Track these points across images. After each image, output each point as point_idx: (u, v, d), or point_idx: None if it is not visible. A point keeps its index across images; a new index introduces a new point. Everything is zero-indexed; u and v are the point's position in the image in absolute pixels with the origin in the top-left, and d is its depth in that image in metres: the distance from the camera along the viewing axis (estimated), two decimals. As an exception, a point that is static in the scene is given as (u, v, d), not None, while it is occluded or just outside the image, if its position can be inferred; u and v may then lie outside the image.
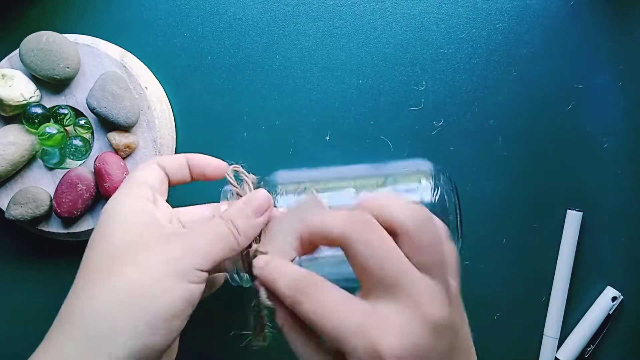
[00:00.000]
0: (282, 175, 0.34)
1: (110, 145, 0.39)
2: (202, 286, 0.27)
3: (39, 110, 0.38)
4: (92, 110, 0.38)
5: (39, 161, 0.39)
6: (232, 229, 0.28)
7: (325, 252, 0.29)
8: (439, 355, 0.23)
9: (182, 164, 0.32)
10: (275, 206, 0.30)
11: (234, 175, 0.32)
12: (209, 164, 0.32)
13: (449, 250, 0.26)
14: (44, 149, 0.38)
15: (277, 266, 0.27)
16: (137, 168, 0.31)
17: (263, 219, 0.29)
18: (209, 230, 0.27)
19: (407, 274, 0.24)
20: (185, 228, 0.31)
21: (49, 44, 0.37)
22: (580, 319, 0.40)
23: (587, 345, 0.40)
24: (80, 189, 0.37)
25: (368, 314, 0.23)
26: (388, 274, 0.23)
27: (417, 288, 0.23)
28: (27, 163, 0.39)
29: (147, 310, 0.25)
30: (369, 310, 0.23)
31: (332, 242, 0.25)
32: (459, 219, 0.31)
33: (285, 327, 0.26)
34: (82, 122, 0.39)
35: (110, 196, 0.37)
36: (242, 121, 0.41)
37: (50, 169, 0.39)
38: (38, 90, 0.39)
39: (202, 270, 0.26)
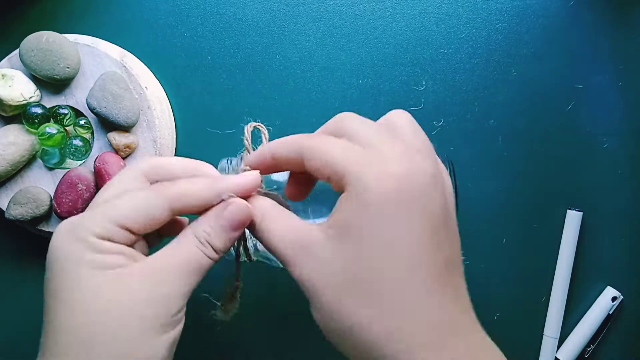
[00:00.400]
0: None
1: (110, 145, 0.39)
2: (182, 324, 0.26)
3: (39, 110, 0.38)
4: (92, 110, 0.38)
5: (39, 161, 0.39)
6: (208, 252, 0.26)
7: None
8: (436, 199, 0.23)
9: (208, 198, 0.27)
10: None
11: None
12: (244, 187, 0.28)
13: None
14: (44, 149, 0.38)
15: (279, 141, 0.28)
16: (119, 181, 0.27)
17: (239, 233, 0.27)
18: (182, 261, 0.26)
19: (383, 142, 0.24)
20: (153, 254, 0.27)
21: (49, 44, 0.37)
22: (580, 319, 0.40)
23: (587, 345, 0.40)
24: (80, 189, 0.37)
25: (369, 151, 0.24)
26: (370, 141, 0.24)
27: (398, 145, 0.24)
28: (27, 163, 0.39)
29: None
30: (369, 150, 0.24)
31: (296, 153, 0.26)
32: (456, 201, 0.31)
33: (265, 214, 0.26)
34: (82, 122, 0.39)
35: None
36: (242, 121, 0.41)
37: (50, 169, 0.39)
38: (38, 90, 0.39)
39: (178, 312, 0.25)
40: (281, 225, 0.26)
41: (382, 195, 0.22)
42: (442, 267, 0.23)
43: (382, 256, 0.22)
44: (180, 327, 0.26)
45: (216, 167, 0.30)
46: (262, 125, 0.32)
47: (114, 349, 0.24)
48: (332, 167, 0.24)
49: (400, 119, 0.27)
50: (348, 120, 0.27)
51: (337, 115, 0.27)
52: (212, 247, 0.26)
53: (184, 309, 0.26)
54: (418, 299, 0.22)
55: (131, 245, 0.26)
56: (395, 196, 0.22)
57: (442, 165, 0.27)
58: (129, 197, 0.26)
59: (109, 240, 0.25)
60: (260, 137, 0.32)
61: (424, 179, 0.23)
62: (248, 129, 0.32)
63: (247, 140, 0.31)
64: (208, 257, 0.26)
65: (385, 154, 0.23)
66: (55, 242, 0.26)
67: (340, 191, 0.24)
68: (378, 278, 0.22)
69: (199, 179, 0.28)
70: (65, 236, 0.26)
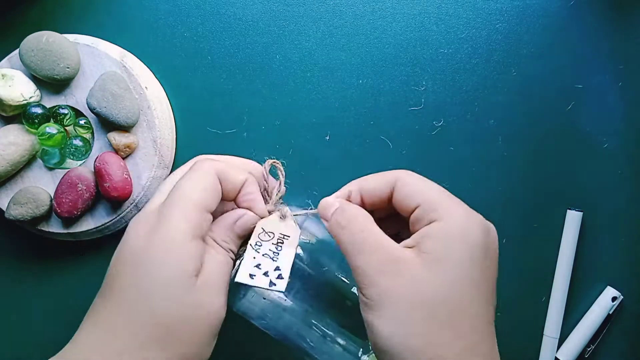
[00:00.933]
0: None
1: (110, 145, 0.39)
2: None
3: (39, 110, 0.38)
4: (92, 110, 0.38)
5: (39, 161, 0.39)
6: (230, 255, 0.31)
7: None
8: (493, 253, 0.29)
9: (240, 180, 0.32)
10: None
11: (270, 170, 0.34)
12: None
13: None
14: (44, 149, 0.38)
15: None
16: (189, 178, 0.30)
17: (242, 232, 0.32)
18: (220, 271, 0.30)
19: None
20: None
21: (49, 44, 0.37)
22: (580, 319, 0.40)
23: (587, 345, 0.40)
24: (80, 189, 0.37)
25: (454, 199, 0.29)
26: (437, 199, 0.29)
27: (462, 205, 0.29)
28: (27, 163, 0.39)
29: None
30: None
31: (379, 195, 0.30)
32: None
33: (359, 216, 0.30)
34: (82, 122, 0.39)
35: (110, 196, 0.37)
36: (242, 121, 0.41)
37: (50, 169, 0.39)
38: (38, 90, 0.39)
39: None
40: (373, 237, 0.28)
41: (477, 239, 0.27)
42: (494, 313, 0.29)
43: (470, 292, 0.27)
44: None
45: None
46: (278, 162, 0.33)
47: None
48: (426, 196, 0.28)
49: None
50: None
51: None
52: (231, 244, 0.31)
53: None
54: (489, 334, 0.28)
55: None
56: (484, 242, 0.28)
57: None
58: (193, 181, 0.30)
59: (199, 233, 0.29)
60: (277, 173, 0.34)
61: (495, 236, 0.29)
62: (266, 167, 0.33)
63: (265, 178, 0.33)
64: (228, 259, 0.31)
65: (464, 206, 0.29)
66: (135, 239, 0.29)
67: (418, 221, 0.28)
68: (463, 309, 0.26)
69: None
70: (152, 236, 0.29)
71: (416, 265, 0.27)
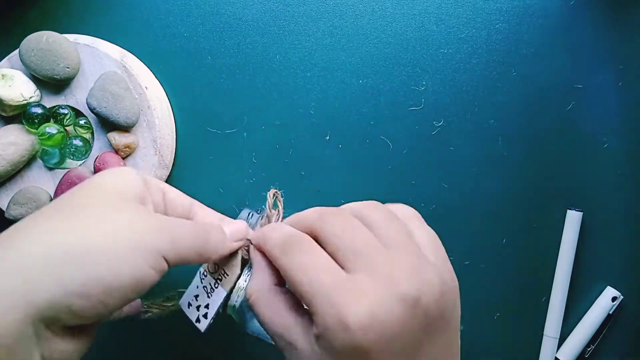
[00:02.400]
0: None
1: (110, 145, 0.39)
2: (157, 277, 0.25)
3: (39, 110, 0.38)
4: (92, 110, 0.38)
5: (39, 161, 0.39)
6: (210, 239, 0.28)
7: None
8: (409, 335, 0.23)
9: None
10: None
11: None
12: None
13: (424, 233, 0.27)
14: (44, 149, 0.38)
15: (274, 226, 0.28)
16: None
17: (236, 245, 0.30)
18: (191, 228, 0.27)
19: (378, 250, 0.24)
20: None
21: (49, 44, 0.37)
22: (580, 319, 0.40)
23: (587, 345, 0.40)
24: (80, 189, 0.37)
25: (342, 280, 0.23)
26: (361, 250, 0.24)
27: (393, 264, 0.24)
28: (27, 163, 0.39)
29: (88, 270, 0.22)
30: (344, 277, 0.23)
31: (308, 229, 0.27)
32: None
33: (253, 296, 0.27)
34: (82, 122, 0.39)
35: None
36: (242, 121, 0.41)
37: (50, 169, 0.39)
38: (38, 90, 0.39)
39: (165, 260, 0.25)
40: (270, 311, 0.26)
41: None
42: None
43: None
44: (148, 281, 0.24)
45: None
46: (279, 192, 0.33)
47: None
48: (303, 298, 0.24)
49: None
50: (330, 223, 0.26)
51: (364, 205, 0.28)
52: (212, 243, 0.28)
53: (163, 271, 0.25)
54: None
55: None
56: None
57: (452, 300, 0.26)
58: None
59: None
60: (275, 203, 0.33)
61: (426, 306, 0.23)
62: (270, 195, 0.32)
63: (268, 207, 0.32)
64: (208, 246, 0.28)
65: (359, 288, 0.23)
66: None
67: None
68: None
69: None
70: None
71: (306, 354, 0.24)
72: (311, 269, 0.24)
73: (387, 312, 0.22)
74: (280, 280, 0.28)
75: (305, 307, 0.26)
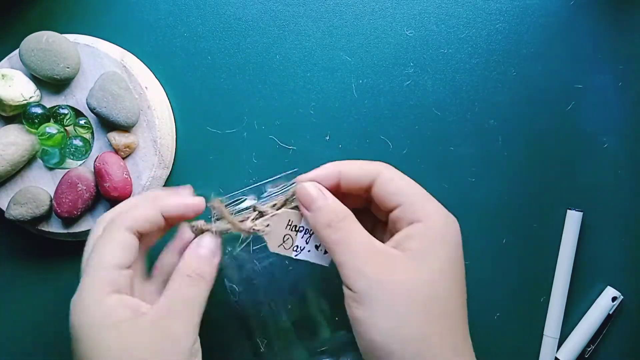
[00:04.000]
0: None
1: (110, 145, 0.39)
2: (200, 354, 0.29)
3: (39, 110, 0.38)
4: (92, 110, 0.38)
5: (39, 161, 0.39)
6: (203, 284, 0.30)
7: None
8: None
9: (155, 220, 0.31)
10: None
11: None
12: (187, 208, 0.32)
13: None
14: (44, 149, 0.38)
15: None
16: (100, 241, 0.30)
17: (220, 257, 0.32)
18: (183, 300, 0.29)
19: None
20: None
21: (49, 44, 0.37)
22: (580, 319, 0.40)
23: (587, 346, 0.40)
24: (80, 189, 0.37)
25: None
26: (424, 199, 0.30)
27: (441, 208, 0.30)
28: (27, 163, 0.39)
29: None
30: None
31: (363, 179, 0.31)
32: None
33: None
34: (82, 122, 0.39)
35: (110, 196, 0.37)
36: (242, 121, 0.41)
37: (50, 169, 0.39)
38: (38, 90, 0.39)
39: (194, 344, 0.29)
40: (359, 236, 0.29)
41: (455, 238, 0.29)
42: None
43: (455, 288, 0.28)
44: (199, 356, 0.29)
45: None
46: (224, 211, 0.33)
47: None
48: (407, 197, 0.29)
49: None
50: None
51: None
52: (204, 278, 0.30)
53: (198, 339, 0.29)
54: (465, 325, 0.29)
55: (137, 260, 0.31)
56: (459, 242, 0.30)
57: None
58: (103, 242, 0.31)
59: (115, 287, 0.29)
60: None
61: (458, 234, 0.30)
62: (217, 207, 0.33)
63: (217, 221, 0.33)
64: (204, 287, 0.30)
65: (441, 206, 0.30)
66: (72, 315, 0.29)
67: (399, 220, 0.29)
68: (452, 305, 0.28)
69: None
70: (76, 306, 0.29)
71: (403, 261, 0.28)
72: (412, 182, 0.31)
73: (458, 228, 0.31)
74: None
75: None
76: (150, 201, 0.31)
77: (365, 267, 0.27)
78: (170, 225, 0.32)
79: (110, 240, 0.30)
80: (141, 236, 0.31)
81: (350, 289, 0.28)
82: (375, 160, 0.32)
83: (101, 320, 0.27)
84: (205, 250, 0.31)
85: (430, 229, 0.28)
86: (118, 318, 0.28)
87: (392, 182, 0.30)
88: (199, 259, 0.30)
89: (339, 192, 0.31)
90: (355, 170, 0.31)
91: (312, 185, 0.31)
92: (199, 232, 0.32)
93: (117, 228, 0.30)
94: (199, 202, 0.32)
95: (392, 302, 0.26)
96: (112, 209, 0.33)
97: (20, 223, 0.39)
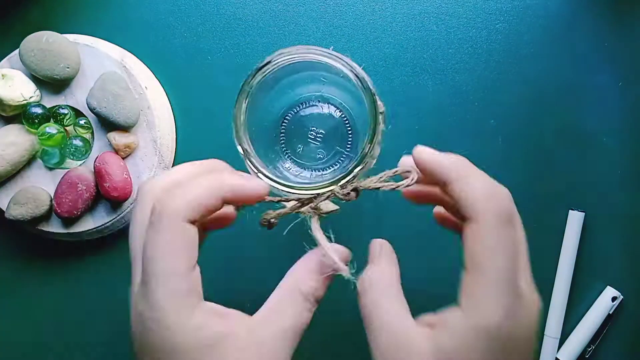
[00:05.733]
0: None
1: (110, 145, 0.39)
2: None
3: (39, 110, 0.38)
4: (92, 110, 0.38)
5: (39, 161, 0.39)
6: (314, 308, 0.26)
7: None
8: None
9: (213, 204, 0.25)
10: None
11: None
12: (253, 192, 0.26)
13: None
14: (44, 149, 0.38)
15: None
16: (156, 238, 0.23)
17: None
18: (290, 325, 0.24)
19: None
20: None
21: (49, 44, 0.37)
22: (581, 319, 0.40)
23: (588, 346, 0.40)
24: (80, 189, 0.37)
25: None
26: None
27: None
28: (27, 163, 0.39)
29: None
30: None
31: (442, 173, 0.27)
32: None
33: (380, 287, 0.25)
34: (82, 122, 0.39)
35: (110, 196, 0.37)
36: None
37: (50, 169, 0.39)
38: (38, 90, 0.39)
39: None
40: (384, 314, 0.24)
41: (503, 332, 0.22)
42: None
43: None
44: None
45: None
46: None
47: None
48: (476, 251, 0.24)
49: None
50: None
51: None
52: (317, 301, 0.26)
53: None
54: None
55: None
56: (513, 337, 0.23)
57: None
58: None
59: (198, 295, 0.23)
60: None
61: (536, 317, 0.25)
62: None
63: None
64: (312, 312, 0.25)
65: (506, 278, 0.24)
66: (148, 338, 0.23)
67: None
68: None
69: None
70: (152, 328, 0.23)
71: (425, 355, 0.23)
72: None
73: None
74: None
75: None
76: (207, 177, 0.25)
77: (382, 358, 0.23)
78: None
79: (169, 238, 0.23)
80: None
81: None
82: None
83: (196, 342, 0.22)
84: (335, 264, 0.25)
85: (469, 325, 0.22)
86: (216, 334, 0.23)
87: (470, 198, 0.26)
88: (322, 272, 0.26)
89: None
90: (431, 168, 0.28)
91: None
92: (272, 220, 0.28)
93: (173, 219, 0.23)
94: (264, 185, 0.26)
95: None
96: (161, 178, 0.26)
97: (20, 223, 0.39)
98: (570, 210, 0.40)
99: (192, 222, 0.24)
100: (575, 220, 0.40)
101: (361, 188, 0.28)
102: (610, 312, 0.40)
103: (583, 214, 0.40)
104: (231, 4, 0.42)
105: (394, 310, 0.24)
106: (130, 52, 0.41)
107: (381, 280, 0.25)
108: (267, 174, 0.28)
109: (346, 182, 0.27)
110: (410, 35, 0.41)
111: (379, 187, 0.28)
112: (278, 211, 0.28)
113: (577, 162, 0.40)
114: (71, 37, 0.39)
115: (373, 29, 0.41)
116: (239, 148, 0.29)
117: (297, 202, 0.28)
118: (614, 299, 0.39)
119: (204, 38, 0.42)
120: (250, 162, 0.28)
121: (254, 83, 0.29)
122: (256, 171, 0.28)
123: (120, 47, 0.41)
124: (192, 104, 0.41)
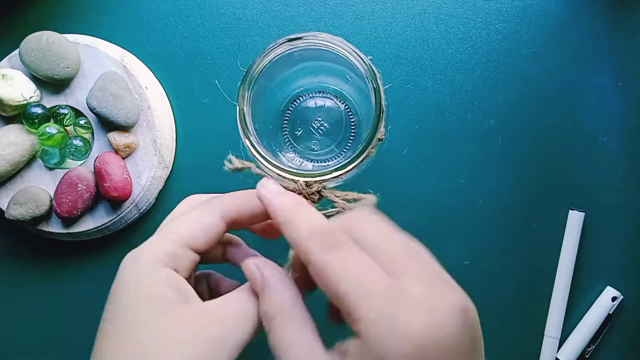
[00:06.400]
0: None
1: (110, 145, 0.39)
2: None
3: (39, 110, 0.38)
4: (92, 110, 0.38)
5: (39, 161, 0.39)
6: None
7: None
8: (458, 348, 0.20)
9: (257, 211, 0.27)
10: None
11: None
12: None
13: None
14: (44, 149, 0.38)
15: (302, 213, 0.24)
16: (188, 211, 0.27)
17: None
18: (239, 307, 0.25)
19: (419, 260, 0.23)
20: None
21: (49, 44, 0.37)
22: (581, 319, 0.40)
23: (588, 346, 0.40)
24: (80, 189, 0.37)
25: (392, 285, 0.21)
26: (405, 257, 0.22)
27: (437, 274, 0.22)
28: (27, 163, 0.39)
29: None
30: (393, 283, 0.21)
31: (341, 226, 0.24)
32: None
33: (278, 316, 0.24)
34: (82, 122, 0.39)
35: (110, 196, 0.37)
36: (242, 121, 0.41)
37: (50, 169, 0.39)
38: (38, 90, 0.39)
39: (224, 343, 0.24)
40: (294, 346, 0.23)
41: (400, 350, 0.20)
42: None
43: None
44: None
45: None
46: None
47: None
48: (344, 301, 0.21)
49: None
50: (366, 226, 0.24)
51: (353, 214, 0.25)
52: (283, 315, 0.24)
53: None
54: None
55: (194, 270, 0.27)
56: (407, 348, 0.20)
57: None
58: (184, 216, 0.27)
59: (173, 264, 0.25)
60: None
61: (453, 339, 0.20)
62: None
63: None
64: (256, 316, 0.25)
65: (410, 295, 0.21)
66: (120, 269, 0.26)
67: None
68: None
69: (245, 191, 0.28)
70: (127, 263, 0.26)
71: None
72: (357, 270, 0.21)
73: (443, 322, 0.20)
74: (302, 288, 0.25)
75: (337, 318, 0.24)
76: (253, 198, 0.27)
77: None
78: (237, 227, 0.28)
79: (196, 214, 0.26)
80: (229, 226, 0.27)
81: None
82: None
83: (142, 289, 0.24)
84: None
85: (367, 345, 0.20)
86: (159, 294, 0.24)
87: (325, 276, 0.22)
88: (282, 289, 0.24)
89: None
90: (294, 240, 0.24)
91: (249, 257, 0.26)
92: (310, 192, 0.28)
93: (210, 206, 0.27)
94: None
95: None
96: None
97: (20, 223, 0.39)
98: (570, 210, 0.40)
99: (224, 219, 0.27)
100: (575, 220, 0.40)
101: (324, 193, 0.28)
102: (610, 312, 0.40)
103: (583, 214, 0.40)
104: (231, 4, 0.42)
105: (304, 346, 0.23)
106: (130, 52, 0.41)
107: (281, 312, 0.23)
108: (270, 159, 0.28)
109: (345, 171, 0.27)
110: (410, 35, 0.41)
111: (335, 201, 0.27)
112: (247, 163, 0.29)
113: (577, 162, 0.40)
114: (71, 37, 0.39)
115: (373, 29, 0.41)
116: (243, 125, 0.29)
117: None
118: (614, 299, 0.39)
119: (204, 38, 0.42)
120: (252, 143, 0.29)
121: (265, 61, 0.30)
122: (259, 155, 0.28)
123: (120, 47, 0.41)
124: (192, 104, 0.42)
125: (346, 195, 0.28)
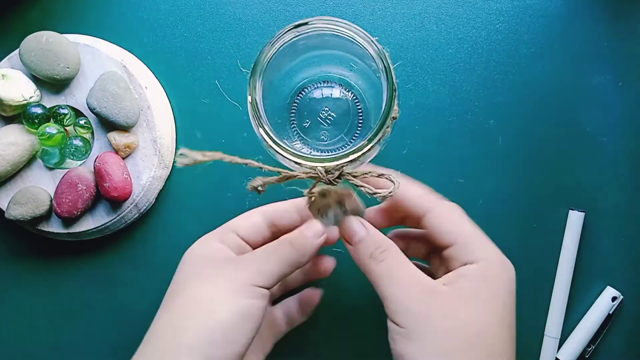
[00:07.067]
0: None
1: (110, 145, 0.39)
2: (260, 302, 0.28)
3: (39, 110, 0.38)
4: (92, 110, 0.38)
5: (39, 161, 0.39)
6: (293, 251, 0.30)
7: None
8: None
9: (293, 218, 0.33)
10: None
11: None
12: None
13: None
14: (44, 149, 0.38)
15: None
16: (243, 214, 0.34)
17: (320, 241, 0.31)
18: (269, 250, 0.30)
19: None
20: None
21: (49, 44, 0.37)
22: (581, 319, 0.40)
23: (588, 346, 0.40)
24: (80, 189, 0.37)
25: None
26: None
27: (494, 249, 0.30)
28: (27, 163, 0.39)
29: (203, 325, 0.27)
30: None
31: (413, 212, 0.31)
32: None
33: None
34: (82, 122, 0.39)
35: (110, 196, 0.37)
36: (242, 121, 0.41)
37: (50, 169, 0.39)
38: (38, 90, 0.39)
39: (258, 286, 0.28)
40: (407, 270, 0.28)
41: (509, 285, 0.28)
42: None
43: (503, 334, 0.27)
44: (254, 308, 0.28)
45: None
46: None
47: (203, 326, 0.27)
48: (462, 237, 0.29)
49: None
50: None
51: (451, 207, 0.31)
52: (298, 251, 0.30)
53: (265, 294, 0.29)
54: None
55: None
56: (513, 289, 0.28)
57: None
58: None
59: (222, 241, 0.32)
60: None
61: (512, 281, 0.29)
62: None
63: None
64: (295, 257, 0.30)
65: (497, 249, 0.29)
66: (185, 255, 0.32)
67: (452, 259, 0.29)
68: (498, 348, 0.27)
69: (286, 202, 0.34)
70: (193, 246, 0.32)
71: (454, 298, 0.27)
72: (469, 225, 0.30)
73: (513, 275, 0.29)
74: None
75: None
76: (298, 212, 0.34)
77: (411, 302, 0.27)
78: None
79: (247, 214, 0.33)
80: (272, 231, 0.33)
81: (395, 324, 0.27)
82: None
83: (199, 252, 0.31)
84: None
85: (486, 272, 0.28)
86: (212, 254, 0.30)
87: (444, 220, 0.30)
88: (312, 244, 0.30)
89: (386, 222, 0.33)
90: (407, 205, 0.31)
91: (354, 219, 0.30)
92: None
93: (257, 210, 0.34)
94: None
95: (440, 339, 0.26)
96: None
97: (20, 223, 0.39)
98: (570, 210, 0.40)
99: (266, 221, 0.34)
100: (575, 220, 0.40)
101: (346, 177, 0.29)
102: (610, 312, 0.40)
103: (583, 214, 0.40)
104: (231, 4, 0.42)
105: (416, 269, 0.28)
106: (130, 52, 0.41)
107: (393, 246, 0.29)
108: (287, 147, 0.29)
109: (357, 157, 0.28)
110: (410, 35, 0.41)
111: (361, 186, 0.29)
112: (267, 179, 0.30)
113: (577, 162, 0.40)
114: (71, 37, 0.39)
115: (373, 29, 0.41)
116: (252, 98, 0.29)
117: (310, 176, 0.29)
118: (614, 299, 0.39)
119: (204, 38, 0.42)
120: (266, 132, 0.29)
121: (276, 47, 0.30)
122: (274, 145, 0.29)
123: (120, 47, 0.41)
124: (192, 104, 0.42)
125: (370, 173, 0.30)
